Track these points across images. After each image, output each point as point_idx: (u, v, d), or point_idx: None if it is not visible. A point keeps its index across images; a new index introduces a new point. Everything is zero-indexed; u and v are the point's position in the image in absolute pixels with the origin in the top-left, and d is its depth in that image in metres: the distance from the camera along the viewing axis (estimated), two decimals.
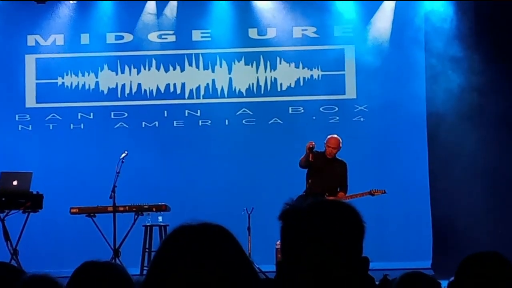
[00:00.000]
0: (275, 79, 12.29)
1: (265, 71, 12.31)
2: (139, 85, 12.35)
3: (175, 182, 11.83)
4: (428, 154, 11.49)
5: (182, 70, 12.34)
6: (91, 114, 12.29)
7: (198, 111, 12.30)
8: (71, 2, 12.27)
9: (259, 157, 11.92)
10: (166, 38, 12.37)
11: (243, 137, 12.11)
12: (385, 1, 12.12)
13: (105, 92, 12.33)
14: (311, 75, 12.24)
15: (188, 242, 1.62)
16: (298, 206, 1.97)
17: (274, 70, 12.29)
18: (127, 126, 12.27)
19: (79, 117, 12.27)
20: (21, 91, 12.27)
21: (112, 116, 12.30)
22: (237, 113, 12.26)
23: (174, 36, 12.36)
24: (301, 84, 12.24)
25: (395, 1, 12.04)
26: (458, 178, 10.93)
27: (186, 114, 12.29)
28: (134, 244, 10.30)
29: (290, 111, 12.24)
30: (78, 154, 12.04)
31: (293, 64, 12.27)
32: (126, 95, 12.34)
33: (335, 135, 10.01)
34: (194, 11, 12.20)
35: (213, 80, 12.30)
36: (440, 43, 11.31)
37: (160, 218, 10.70)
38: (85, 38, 12.32)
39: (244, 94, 12.30)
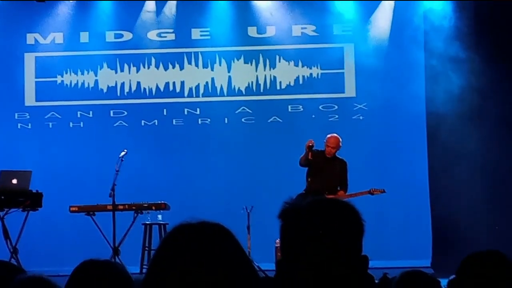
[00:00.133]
0: (275, 77, 12.28)
1: (265, 70, 12.31)
2: (138, 83, 12.34)
3: (174, 181, 11.83)
4: (427, 152, 11.48)
5: (182, 68, 12.34)
6: (91, 112, 12.29)
7: (198, 109, 12.29)
8: (70, 0, 12.27)
9: (259, 156, 11.92)
10: (165, 37, 12.37)
11: (242, 136, 12.10)
12: (384, 0, 12.12)
13: (105, 90, 12.32)
14: (311, 74, 12.23)
15: (187, 241, 1.61)
16: (297, 205, 1.97)
17: (273, 69, 12.29)
18: (126, 125, 12.26)
19: (79, 115, 12.27)
20: (20, 90, 12.26)
21: (112, 115, 12.29)
22: (237, 112, 12.25)
23: (173, 35, 12.35)
24: (301, 82, 12.24)
25: (394, 0, 12.05)
26: (457, 178, 10.93)
27: (186, 113, 12.29)
28: (133, 242, 10.30)
29: (289, 110, 12.24)
30: (78, 153, 12.04)
31: (292, 63, 12.27)
32: (125, 93, 12.34)
33: (335, 134, 9.98)
34: (194, 10, 12.20)
35: (213, 79, 12.30)
36: (439, 42, 11.31)
37: (159, 217, 10.70)
38: (84, 37, 12.31)
39: (244, 93, 12.29)
